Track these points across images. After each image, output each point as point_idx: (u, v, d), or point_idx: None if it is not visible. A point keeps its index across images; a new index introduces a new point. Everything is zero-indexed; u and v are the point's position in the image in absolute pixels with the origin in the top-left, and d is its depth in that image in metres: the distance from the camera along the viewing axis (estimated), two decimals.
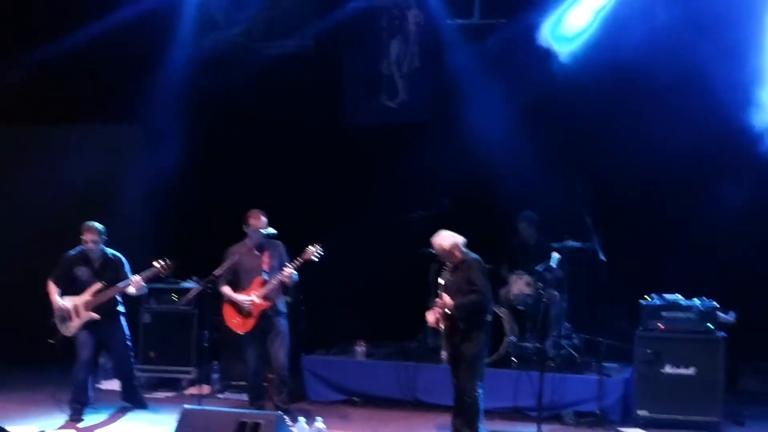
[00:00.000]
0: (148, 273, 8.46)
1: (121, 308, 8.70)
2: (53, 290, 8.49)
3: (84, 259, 8.58)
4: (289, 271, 8.28)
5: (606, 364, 8.73)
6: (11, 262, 11.08)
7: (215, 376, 9.69)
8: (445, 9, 10.60)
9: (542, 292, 8.97)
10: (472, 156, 10.02)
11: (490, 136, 9.92)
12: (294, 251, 8.50)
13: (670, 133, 9.36)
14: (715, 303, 8.47)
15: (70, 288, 8.53)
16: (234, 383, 9.49)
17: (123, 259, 8.67)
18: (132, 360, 8.93)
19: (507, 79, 10.04)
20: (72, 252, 8.64)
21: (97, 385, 9.28)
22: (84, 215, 10.26)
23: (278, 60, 10.86)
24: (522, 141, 9.85)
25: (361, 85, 11.07)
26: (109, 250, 8.65)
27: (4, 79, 10.82)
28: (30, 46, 10.75)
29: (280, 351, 8.34)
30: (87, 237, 8.50)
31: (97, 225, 8.58)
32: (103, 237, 8.57)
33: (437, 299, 7.69)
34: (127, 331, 8.77)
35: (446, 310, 7.59)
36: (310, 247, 8.28)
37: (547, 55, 9.89)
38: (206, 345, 8.90)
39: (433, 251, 7.92)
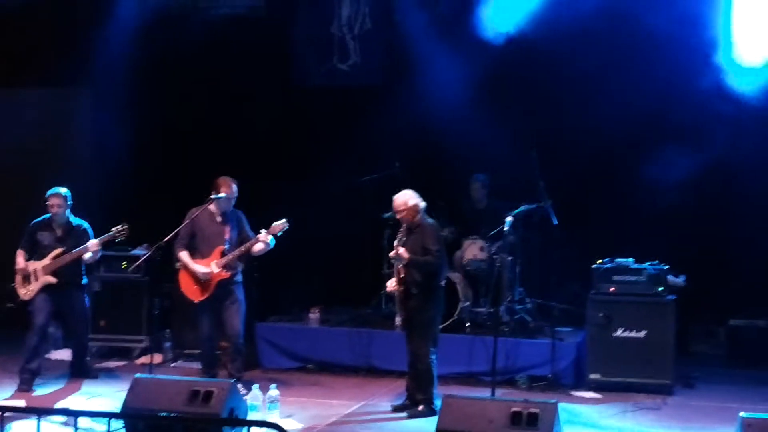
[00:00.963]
0: (104, 237, 8.44)
1: (84, 280, 8.69)
2: (20, 254, 8.53)
3: (48, 224, 8.56)
4: (265, 236, 8.10)
5: (559, 329, 8.79)
6: None
7: (167, 344, 9.60)
8: None
9: (495, 256, 8.98)
10: (424, 120, 9.99)
11: (442, 99, 9.88)
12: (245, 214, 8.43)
13: (624, 97, 9.43)
14: (665, 266, 8.56)
15: (35, 253, 8.52)
16: (187, 351, 9.43)
17: (88, 228, 8.61)
18: (88, 333, 8.89)
19: (459, 42, 9.99)
20: (39, 219, 8.60)
21: (47, 356, 9.15)
22: (31, 180, 10.14)
23: (227, 21, 10.71)
24: (475, 105, 9.83)
25: (312, 46, 10.95)
26: (75, 219, 8.61)
27: None
28: None
29: (235, 319, 8.25)
30: (52, 202, 8.47)
31: (62, 191, 8.52)
32: (68, 203, 8.53)
33: (392, 252, 7.62)
34: (86, 303, 8.74)
35: (399, 262, 7.56)
36: (277, 222, 8.13)
37: (499, 18, 9.84)
38: (157, 313, 8.80)
39: (392, 212, 7.85)
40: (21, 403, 7.76)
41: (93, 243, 8.41)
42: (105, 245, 8.57)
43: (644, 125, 9.55)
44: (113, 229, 8.41)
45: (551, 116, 9.77)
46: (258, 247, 8.22)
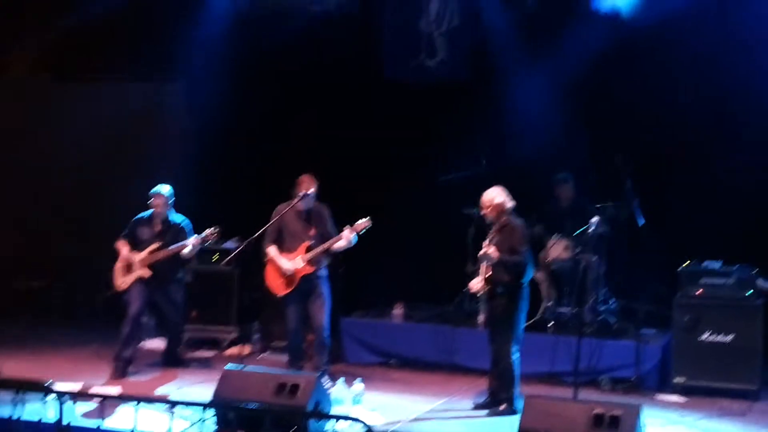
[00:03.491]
0: (199, 237, 8.71)
1: (180, 274, 9.00)
2: (121, 245, 8.87)
3: (149, 220, 8.91)
4: (349, 234, 8.25)
5: (643, 330, 8.72)
6: (57, 219, 11.34)
7: (256, 336, 9.83)
8: None
9: (580, 256, 8.93)
10: (510, 117, 9.96)
11: (529, 96, 9.86)
12: (331, 210, 8.58)
13: (713, 95, 9.28)
14: (754, 270, 8.41)
15: (134, 246, 8.86)
16: (274, 344, 9.62)
17: (187, 225, 8.92)
18: (182, 326, 9.19)
19: (546, 39, 9.95)
20: (141, 214, 8.94)
21: (140, 345, 9.45)
22: (126, 173, 10.45)
23: (318, 17, 10.84)
24: (561, 103, 9.78)
25: (401, 43, 10.99)
26: (177, 216, 8.93)
27: (48, 34, 11.09)
28: (76, 3, 10.85)
29: (320, 313, 8.39)
30: (154, 201, 8.82)
31: (164, 191, 8.84)
32: (170, 201, 8.86)
33: (482, 251, 7.64)
34: (181, 297, 9.03)
35: (488, 261, 7.60)
36: (361, 220, 8.24)
37: (585, 16, 9.79)
38: (247, 305, 8.99)
39: (477, 209, 7.87)
40: (116, 389, 8.05)
41: (185, 245, 8.68)
42: (200, 244, 8.80)
43: (737, 123, 9.37)
44: (206, 231, 8.68)
45: (639, 114, 9.65)
46: (340, 245, 8.36)
